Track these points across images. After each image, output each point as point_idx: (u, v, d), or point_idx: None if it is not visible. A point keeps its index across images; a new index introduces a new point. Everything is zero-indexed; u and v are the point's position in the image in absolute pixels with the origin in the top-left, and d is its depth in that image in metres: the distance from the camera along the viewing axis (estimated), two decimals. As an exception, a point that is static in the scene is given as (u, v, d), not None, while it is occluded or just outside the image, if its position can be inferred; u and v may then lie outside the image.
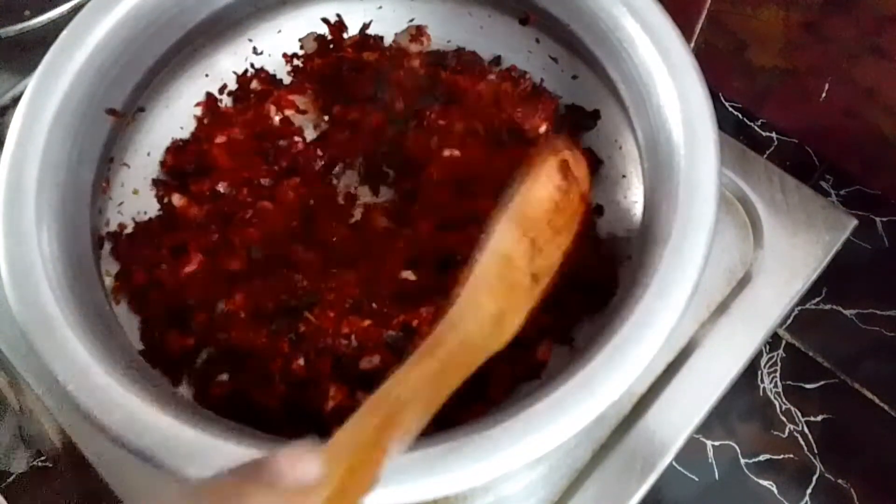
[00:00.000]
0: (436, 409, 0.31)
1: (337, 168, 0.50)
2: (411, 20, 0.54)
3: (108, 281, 0.45)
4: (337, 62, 0.53)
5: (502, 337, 0.35)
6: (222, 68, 0.53)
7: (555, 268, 0.37)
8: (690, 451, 0.50)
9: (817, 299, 0.55)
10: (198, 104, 0.52)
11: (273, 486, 0.25)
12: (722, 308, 0.48)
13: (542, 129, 0.50)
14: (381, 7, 0.54)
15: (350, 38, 0.54)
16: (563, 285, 0.39)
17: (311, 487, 0.26)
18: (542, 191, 0.38)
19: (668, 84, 0.40)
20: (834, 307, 0.55)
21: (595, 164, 0.49)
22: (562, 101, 0.51)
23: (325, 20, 0.54)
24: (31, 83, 0.41)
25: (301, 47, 0.54)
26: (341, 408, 0.41)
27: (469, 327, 0.34)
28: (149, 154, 0.50)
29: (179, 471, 0.33)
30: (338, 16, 0.54)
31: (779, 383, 0.53)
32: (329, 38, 0.54)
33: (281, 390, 0.42)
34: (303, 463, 0.26)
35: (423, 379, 0.32)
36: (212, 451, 0.33)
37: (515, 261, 0.36)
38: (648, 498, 0.44)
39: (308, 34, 0.54)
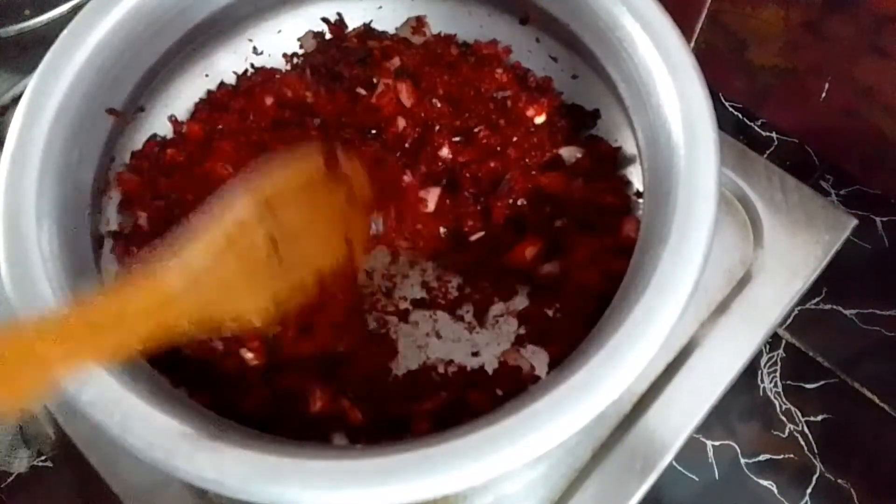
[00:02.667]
0: (135, 345, 0.33)
1: None
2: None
3: (109, 281, 0.45)
4: (339, 53, 0.53)
5: (236, 306, 0.36)
6: (222, 68, 0.53)
7: (310, 268, 0.38)
8: (690, 451, 0.50)
9: (817, 299, 0.55)
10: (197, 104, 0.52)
11: None
12: (722, 308, 0.48)
13: (541, 119, 0.50)
14: (381, 7, 0.54)
15: (353, 29, 0.54)
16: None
17: None
18: (290, 184, 0.39)
19: (668, 84, 0.40)
20: (834, 307, 0.55)
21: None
22: (562, 101, 0.51)
23: (324, 20, 0.54)
24: (31, 83, 0.41)
25: (300, 46, 0.54)
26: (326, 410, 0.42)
27: (172, 275, 0.34)
28: (149, 154, 0.50)
29: (178, 470, 0.33)
30: (338, 14, 0.54)
31: (779, 383, 0.53)
32: (329, 36, 0.54)
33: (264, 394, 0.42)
34: None
35: (119, 309, 0.33)
36: (212, 450, 0.33)
37: (243, 234, 0.37)
38: (648, 498, 0.44)
39: (307, 32, 0.54)
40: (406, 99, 0.50)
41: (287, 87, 0.52)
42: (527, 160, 0.48)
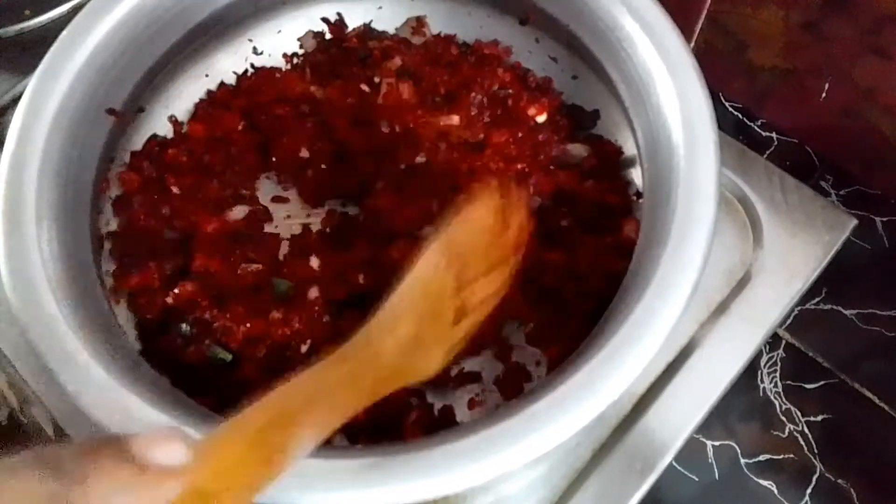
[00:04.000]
0: (337, 423, 0.30)
1: None
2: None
3: (108, 281, 0.45)
4: (340, 52, 0.53)
5: (422, 365, 0.34)
6: (222, 68, 0.53)
7: (484, 310, 0.37)
8: (690, 451, 0.50)
9: (817, 299, 0.55)
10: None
11: (127, 463, 0.23)
12: (722, 308, 0.48)
13: (542, 118, 0.50)
14: (381, 7, 0.54)
15: (354, 29, 0.54)
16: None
17: (167, 474, 0.24)
18: (473, 228, 0.37)
19: (668, 84, 0.40)
20: (834, 307, 0.55)
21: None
22: (562, 101, 0.51)
23: (324, 20, 0.54)
24: (31, 83, 0.41)
25: (300, 46, 0.54)
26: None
27: (385, 343, 0.33)
28: (149, 154, 0.50)
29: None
30: (338, 14, 0.54)
31: (779, 383, 0.53)
32: (328, 36, 0.54)
33: None
34: (166, 446, 0.24)
35: (325, 386, 0.30)
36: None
37: (437, 290, 0.35)
38: (648, 498, 0.44)
39: (307, 32, 0.54)
40: (409, 98, 0.50)
41: (289, 85, 0.52)
42: (542, 156, 0.48)
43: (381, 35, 0.54)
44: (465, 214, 0.37)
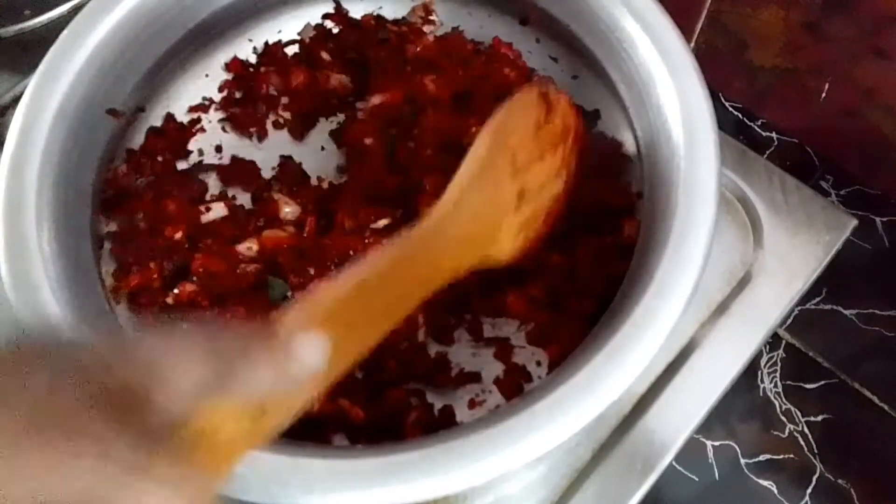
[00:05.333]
0: (409, 307, 0.31)
1: None
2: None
3: (109, 281, 0.45)
4: (357, 34, 0.52)
5: (489, 246, 0.35)
6: (222, 69, 0.53)
7: (545, 195, 0.38)
8: (690, 451, 0.50)
9: (817, 299, 0.55)
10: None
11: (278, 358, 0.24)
12: (722, 308, 0.48)
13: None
14: (381, 7, 0.54)
15: (363, 16, 0.53)
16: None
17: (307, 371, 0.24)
18: (520, 112, 0.39)
19: (668, 84, 0.40)
20: (834, 307, 0.55)
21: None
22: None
23: (326, 15, 0.53)
24: (31, 83, 0.41)
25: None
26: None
27: (449, 222, 0.34)
28: (149, 154, 0.50)
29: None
30: (336, 1, 0.53)
31: (779, 383, 0.53)
32: (330, 28, 0.53)
33: None
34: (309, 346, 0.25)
35: (397, 264, 0.31)
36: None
37: (495, 169, 0.37)
38: (648, 498, 0.44)
39: (305, 25, 0.53)
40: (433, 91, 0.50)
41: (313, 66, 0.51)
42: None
43: (395, 22, 0.53)
44: (510, 103, 0.39)
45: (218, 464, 0.23)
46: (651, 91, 0.40)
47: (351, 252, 0.44)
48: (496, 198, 0.36)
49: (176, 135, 0.49)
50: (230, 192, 0.48)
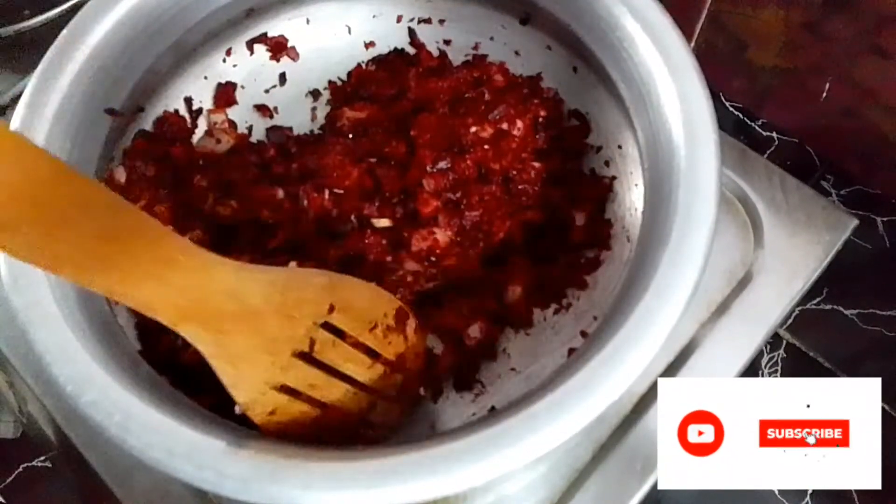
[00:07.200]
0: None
1: None
2: (412, 20, 0.54)
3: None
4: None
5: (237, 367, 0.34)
6: (222, 69, 0.53)
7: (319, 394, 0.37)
8: (691, 451, 0.50)
9: (818, 299, 0.55)
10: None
11: None
12: (722, 308, 0.48)
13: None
14: (375, 16, 0.54)
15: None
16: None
17: None
18: (361, 292, 0.38)
19: (668, 84, 0.39)
20: (835, 307, 0.55)
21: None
22: (566, 107, 0.51)
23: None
24: (31, 83, 0.41)
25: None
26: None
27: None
28: (149, 154, 0.50)
29: (178, 471, 0.33)
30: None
31: (779, 383, 0.53)
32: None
33: None
34: None
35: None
36: (212, 450, 0.33)
37: (295, 306, 0.35)
38: (648, 498, 0.44)
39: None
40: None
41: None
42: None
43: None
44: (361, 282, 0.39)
45: None
46: (651, 91, 0.40)
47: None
48: (276, 336, 0.35)
49: (174, 134, 0.49)
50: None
